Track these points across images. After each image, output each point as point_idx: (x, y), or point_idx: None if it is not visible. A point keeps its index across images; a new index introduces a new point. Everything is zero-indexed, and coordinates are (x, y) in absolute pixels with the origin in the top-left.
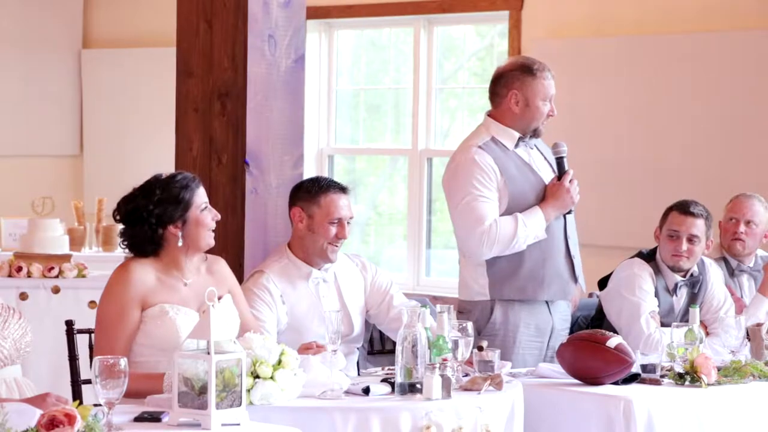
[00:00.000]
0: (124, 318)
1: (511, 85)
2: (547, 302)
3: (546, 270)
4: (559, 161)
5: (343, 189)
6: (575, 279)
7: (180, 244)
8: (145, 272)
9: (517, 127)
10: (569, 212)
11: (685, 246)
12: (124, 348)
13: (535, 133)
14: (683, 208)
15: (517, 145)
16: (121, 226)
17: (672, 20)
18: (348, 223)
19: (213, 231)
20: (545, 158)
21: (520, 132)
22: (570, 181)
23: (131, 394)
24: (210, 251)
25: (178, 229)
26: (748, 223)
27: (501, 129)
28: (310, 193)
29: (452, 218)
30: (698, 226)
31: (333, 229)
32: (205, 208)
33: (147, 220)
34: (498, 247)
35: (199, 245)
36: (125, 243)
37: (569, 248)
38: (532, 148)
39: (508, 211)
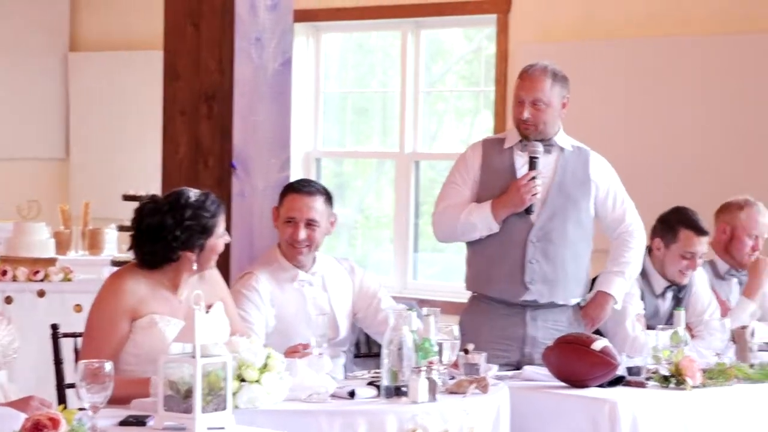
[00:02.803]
0: (113, 328)
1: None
2: (523, 307)
3: (497, 267)
4: (531, 161)
5: (307, 191)
6: (525, 285)
7: (195, 267)
8: (139, 284)
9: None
10: (528, 213)
11: (697, 263)
12: (110, 358)
13: (523, 136)
14: (697, 229)
15: (522, 148)
16: (133, 232)
17: (659, 23)
18: (307, 225)
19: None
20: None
21: (518, 133)
22: (532, 179)
23: (117, 400)
24: None
25: (194, 254)
26: (758, 237)
27: (512, 128)
28: (282, 192)
29: None
30: (707, 242)
31: (288, 230)
32: (223, 234)
33: (170, 242)
34: (446, 230)
35: (206, 266)
36: (136, 251)
37: (526, 252)
38: (538, 158)
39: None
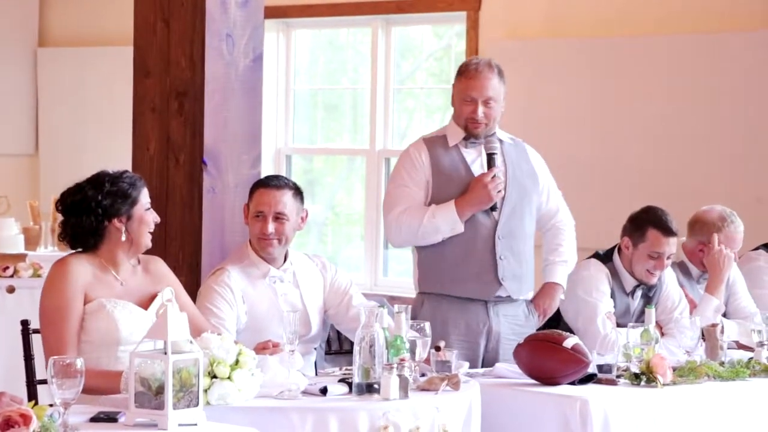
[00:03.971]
0: (70, 309)
1: (454, 82)
2: (486, 303)
3: (464, 267)
4: (489, 156)
5: (275, 185)
6: (498, 281)
7: (123, 239)
8: (83, 267)
9: (460, 125)
10: (493, 210)
11: (665, 264)
12: (74, 340)
13: (471, 135)
14: (666, 229)
15: (467, 145)
16: (61, 218)
17: (630, 22)
18: (275, 219)
19: (151, 233)
20: (504, 160)
21: (464, 130)
22: (493, 177)
23: (86, 391)
24: (169, 250)
25: (122, 223)
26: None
27: (452, 126)
28: (251, 188)
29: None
30: (676, 243)
31: (257, 225)
32: (149, 208)
33: (94, 210)
34: (405, 235)
35: (140, 243)
36: (67, 234)
37: (495, 249)
38: (496, 153)
39: (430, 204)
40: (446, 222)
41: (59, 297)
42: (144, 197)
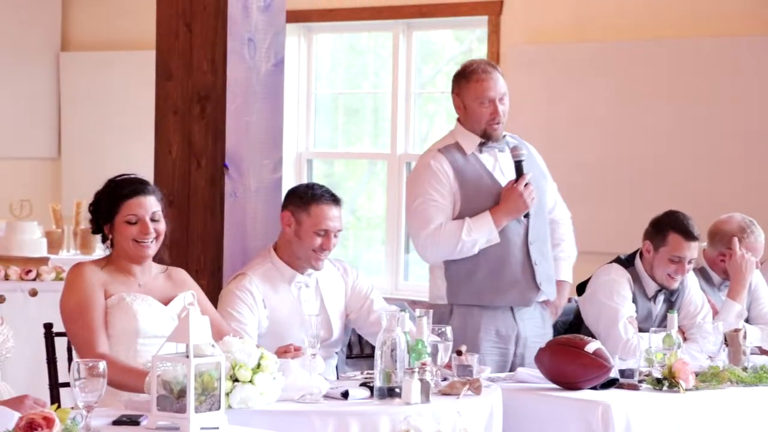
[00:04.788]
0: (92, 302)
1: (453, 89)
2: (512, 308)
3: (503, 276)
4: (518, 165)
5: (335, 200)
6: (537, 287)
7: (111, 246)
8: (99, 270)
9: (475, 130)
10: (526, 217)
11: (686, 268)
12: (102, 329)
13: (490, 137)
14: (687, 233)
15: (482, 150)
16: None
17: (651, 26)
18: (335, 235)
19: (144, 244)
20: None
21: (480, 136)
22: (526, 185)
23: (110, 383)
24: (191, 253)
25: (109, 231)
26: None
27: (464, 133)
28: (302, 199)
29: (407, 220)
30: (697, 247)
31: (318, 240)
32: (136, 222)
33: (93, 214)
34: (442, 251)
35: (127, 254)
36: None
37: (530, 255)
38: (502, 152)
39: (461, 216)
40: (483, 234)
41: (79, 294)
42: (130, 208)
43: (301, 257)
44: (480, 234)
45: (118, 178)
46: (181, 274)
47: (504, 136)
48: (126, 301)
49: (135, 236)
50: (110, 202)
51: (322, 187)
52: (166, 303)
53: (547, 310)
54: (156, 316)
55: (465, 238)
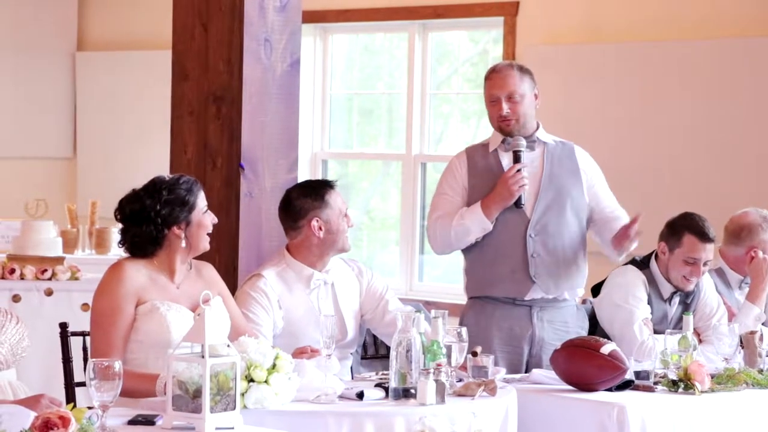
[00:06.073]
0: (120, 313)
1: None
2: (530, 307)
3: (498, 266)
4: (515, 155)
5: (333, 185)
6: (531, 279)
7: (183, 245)
8: (138, 271)
9: (495, 129)
10: (518, 206)
11: (701, 270)
12: (121, 343)
13: (506, 134)
14: (702, 235)
15: (505, 149)
16: (121, 226)
17: (667, 27)
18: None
19: (209, 234)
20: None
21: (500, 133)
22: (517, 171)
23: (123, 393)
24: (206, 254)
25: (181, 230)
26: None
27: (494, 133)
28: (316, 200)
29: None
30: (712, 249)
31: (345, 222)
32: (206, 211)
33: (153, 220)
34: (440, 240)
35: (199, 247)
36: (126, 242)
37: (527, 246)
38: (522, 151)
39: None
40: (474, 222)
41: (111, 300)
42: (201, 201)
43: (335, 250)
44: (470, 221)
45: (168, 179)
46: (209, 270)
47: (531, 134)
48: (160, 312)
49: (209, 230)
50: (183, 201)
51: (314, 181)
52: (196, 307)
53: (582, 310)
54: (187, 326)
55: (455, 224)
